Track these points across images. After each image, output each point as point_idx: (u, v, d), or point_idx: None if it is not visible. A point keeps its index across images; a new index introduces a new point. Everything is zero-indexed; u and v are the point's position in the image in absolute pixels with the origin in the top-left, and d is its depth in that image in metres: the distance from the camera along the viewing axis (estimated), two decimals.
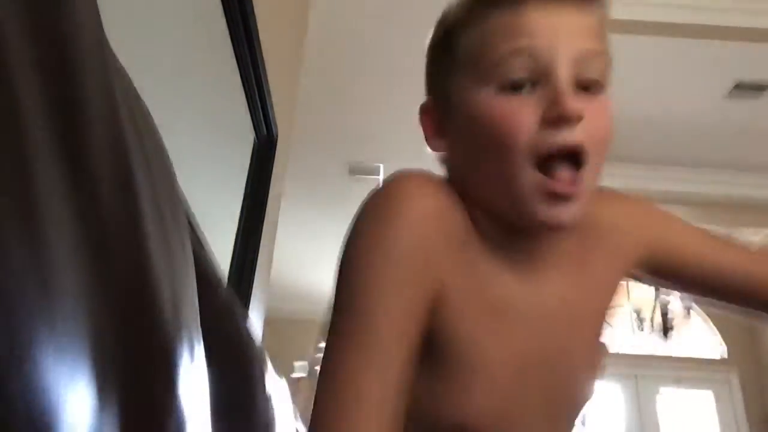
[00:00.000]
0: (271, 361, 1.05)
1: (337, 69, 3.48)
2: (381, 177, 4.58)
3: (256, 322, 1.92)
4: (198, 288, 0.71)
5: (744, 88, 3.50)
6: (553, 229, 0.62)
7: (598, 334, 0.73)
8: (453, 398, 0.62)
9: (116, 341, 0.42)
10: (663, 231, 0.75)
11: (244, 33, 1.63)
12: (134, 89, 0.59)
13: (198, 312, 0.61)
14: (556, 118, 0.59)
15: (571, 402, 0.71)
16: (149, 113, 0.63)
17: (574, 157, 0.60)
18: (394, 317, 0.57)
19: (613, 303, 0.73)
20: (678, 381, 5.74)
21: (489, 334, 0.63)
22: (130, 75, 0.59)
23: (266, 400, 0.92)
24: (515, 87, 0.60)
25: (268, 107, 1.93)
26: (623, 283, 0.76)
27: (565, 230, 0.62)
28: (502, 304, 0.65)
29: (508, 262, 0.65)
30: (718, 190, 4.23)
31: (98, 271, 0.41)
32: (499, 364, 0.63)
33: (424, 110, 0.72)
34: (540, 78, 0.60)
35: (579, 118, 0.59)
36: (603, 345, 0.74)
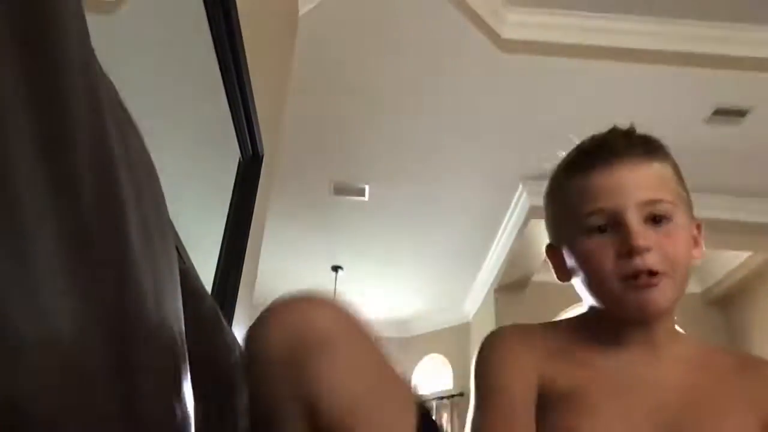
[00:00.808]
0: None
1: (323, 89, 3.51)
2: (366, 197, 4.60)
3: (239, 338, 1.91)
4: (183, 301, 0.72)
5: (723, 114, 3.56)
6: (648, 309, 0.79)
7: None
8: None
9: (102, 352, 0.43)
10: None
11: (231, 53, 1.65)
12: (122, 102, 0.60)
13: (182, 320, 0.62)
14: (628, 251, 0.78)
15: None
16: (137, 128, 0.64)
17: (650, 274, 0.78)
18: (517, 393, 0.82)
19: None
20: None
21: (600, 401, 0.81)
22: (119, 93, 0.60)
23: (247, 414, 0.92)
24: (600, 230, 0.81)
25: (254, 127, 1.94)
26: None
27: (659, 311, 0.80)
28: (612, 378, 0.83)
29: (622, 352, 0.84)
30: (698, 213, 4.27)
31: (83, 281, 0.41)
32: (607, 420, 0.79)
33: (549, 252, 0.93)
34: (615, 225, 0.80)
35: (646, 250, 0.78)
36: None
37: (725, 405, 0.80)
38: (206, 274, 1.66)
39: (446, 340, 6.61)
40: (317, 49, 3.19)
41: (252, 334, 0.66)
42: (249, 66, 1.77)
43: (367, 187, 4.50)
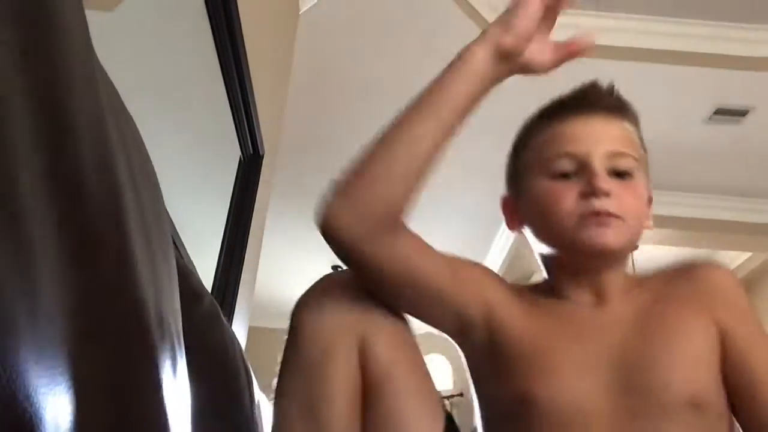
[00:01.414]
0: (254, 374, 1.05)
1: (323, 88, 3.50)
2: None
3: (239, 335, 1.91)
4: (182, 300, 0.71)
5: (724, 114, 3.55)
6: (600, 248, 0.80)
7: (691, 359, 0.79)
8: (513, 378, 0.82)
9: (98, 347, 0.43)
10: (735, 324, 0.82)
11: (232, 51, 1.65)
12: (121, 102, 0.60)
13: (180, 319, 0.62)
14: (590, 192, 0.81)
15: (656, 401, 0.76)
16: (135, 126, 0.63)
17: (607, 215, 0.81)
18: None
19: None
20: None
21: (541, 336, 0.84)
22: (119, 91, 0.60)
23: (253, 408, 0.93)
24: (564, 176, 0.84)
25: (255, 124, 1.94)
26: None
27: (611, 253, 0.82)
28: (555, 319, 0.86)
29: (571, 300, 0.87)
30: (698, 214, 4.28)
31: (82, 277, 0.41)
32: (549, 353, 0.82)
33: (504, 202, 0.96)
34: (581, 169, 0.83)
35: (607, 193, 0.81)
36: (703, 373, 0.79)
37: (674, 320, 0.82)
38: (206, 272, 1.66)
39: (446, 340, 6.59)
40: (318, 48, 3.18)
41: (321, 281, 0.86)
42: (249, 64, 1.77)
43: None
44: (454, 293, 0.85)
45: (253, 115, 1.89)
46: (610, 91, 0.93)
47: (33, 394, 0.34)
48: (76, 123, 0.43)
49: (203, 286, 0.96)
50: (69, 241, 0.40)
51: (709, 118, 3.59)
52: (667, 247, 4.84)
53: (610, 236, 0.80)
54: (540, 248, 0.90)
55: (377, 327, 0.81)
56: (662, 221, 4.16)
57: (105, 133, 0.49)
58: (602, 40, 3.24)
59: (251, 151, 2.01)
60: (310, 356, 0.79)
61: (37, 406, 0.34)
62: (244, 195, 1.95)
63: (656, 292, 0.86)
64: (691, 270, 0.87)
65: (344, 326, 0.80)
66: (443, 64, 0.87)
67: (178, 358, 0.57)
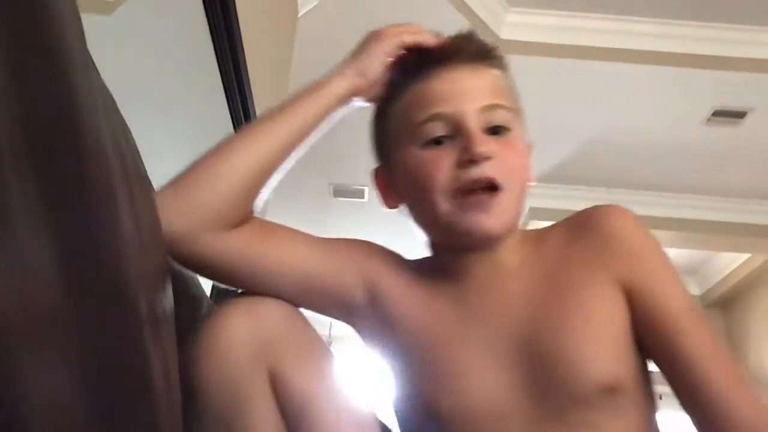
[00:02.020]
0: None
1: None
2: (365, 199, 4.59)
3: None
4: (184, 305, 0.71)
5: (722, 115, 3.55)
6: (482, 235, 0.74)
7: (593, 332, 0.73)
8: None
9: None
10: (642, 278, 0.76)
11: (230, 54, 1.64)
12: (115, 105, 0.60)
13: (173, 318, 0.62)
14: (467, 160, 0.73)
15: (564, 389, 0.71)
16: (130, 132, 0.63)
17: (489, 189, 0.73)
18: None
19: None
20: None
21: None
22: (114, 95, 0.60)
23: None
24: (437, 142, 0.75)
25: None
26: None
27: (494, 239, 0.75)
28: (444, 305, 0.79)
29: (463, 279, 0.79)
30: (697, 215, 4.28)
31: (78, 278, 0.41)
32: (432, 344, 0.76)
33: (376, 175, 0.87)
34: (455, 132, 0.75)
35: (487, 158, 0.73)
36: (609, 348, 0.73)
37: (576, 294, 0.75)
38: None
39: None
40: (316, 50, 3.18)
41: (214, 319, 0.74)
42: (248, 66, 1.77)
43: (366, 189, 4.48)
44: (327, 274, 0.79)
45: (251, 117, 1.89)
46: (471, 37, 0.82)
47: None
48: (76, 129, 0.43)
49: (203, 290, 0.96)
50: (62, 249, 0.40)
51: (708, 120, 3.59)
52: (666, 249, 4.84)
53: (492, 220, 0.73)
54: (419, 232, 0.82)
55: (286, 356, 0.73)
56: (661, 223, 4.16)
57: (102, 138, 0.49)
58: (601, 42, 3.24)
59: None
60: (224, 406, 0.71)
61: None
62: None
63: (555, 256, 0.78)
64: (588, 220, 0.80)
65: (252, 364, 0.71)
66: None
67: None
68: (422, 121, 0.76)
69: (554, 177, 4.04)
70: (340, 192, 4.54)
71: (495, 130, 0.76)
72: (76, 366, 0.40)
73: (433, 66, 0.78)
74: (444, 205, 0.74)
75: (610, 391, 0.70)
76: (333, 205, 4.66)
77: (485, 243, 0.76)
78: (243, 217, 0.77)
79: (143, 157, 0.69)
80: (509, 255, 0.78)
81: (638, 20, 3.21)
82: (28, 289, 0.35)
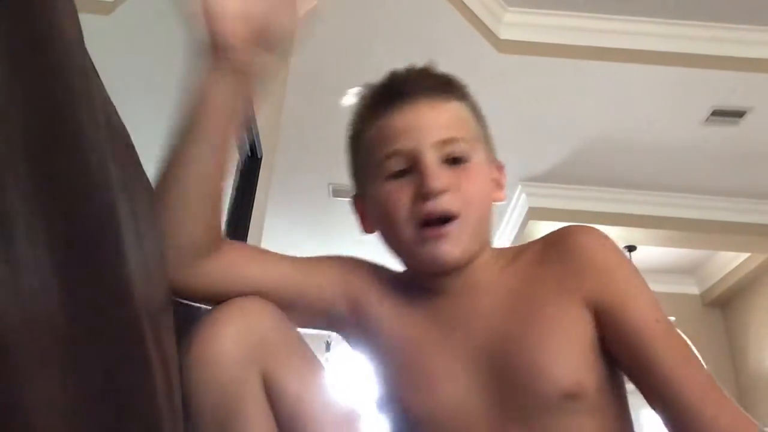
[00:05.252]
0: None
1: (321, 90, 3.50)
2: None
3: None
4: (187, 304, 0.72)
5: (721, 115, 3.55)
6: (440, 263, 0.79)
7: (557, 346, 0.77)
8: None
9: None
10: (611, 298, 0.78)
11: None
12: (116, 113, 0.60)
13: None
14: (424, 194, 0.77)
15: (530, 395, 0.74)
16: (131, 140, 0.63)
17: (445, 220, 0.77)
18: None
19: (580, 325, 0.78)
20: None
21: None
22: (116, 100, 0.60)
23: None
24: (397, 175, 0.80)
25: (252, 128, 1.93)
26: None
27: (453, 265, 0.79)
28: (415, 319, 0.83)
29: (438, 292, 0.83)
30: (697, 215, 4.28)
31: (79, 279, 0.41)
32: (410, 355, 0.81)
33: (354, 203, 0.91)
34: (413, 165, 0.79)
35: (442, 192, 0.77)
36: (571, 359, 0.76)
37: (543, 308, 0.79)
38: None
39: None
40: (316, 50, 3.18)
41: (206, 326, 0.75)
42: None
43: None
44: (311, 293, 0.83)
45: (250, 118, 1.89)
46: (429, 70, 0.86)
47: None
48: (76, 129, 0.43)
49: None
50: (61, 252, 0.40)
51: (707, 120, 3.59)
52: (665, 248, 4.85)
53: (448, 248, 0.78)
54: (391, 254, 0.86)
55: (277, 357, 0.75)
56: (660, 222, 4.17)
57: (101, 143, 0.49)
58: (600, 42, 3.24)
59: (249, 154, 2.00)
60: (217, 408, 0.72)
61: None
62: (242, 198, 1.94)
63: (526, 273, 0.82)
64: (559, 239, 0.83)
65: (244, 367, 0.73)
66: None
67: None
68: (383, 157, 0.81)
69: (554, 177, 4.04)
70: (339, 192, 4.54)
71: (454, 160, 0.80)
72: (76, 372, 0.40)
73: (394, 101, 0.82)
74: (406, 235, 0.79)
75: (572, 397, 0.74)
76: (332, 205, 4.66)
77: (447, 269, 0.80)
78: (216, 241, 0.78)
79: (142, 158, 0.69)
80: (480, 272, 0.83)
81: (637, 20, 3.21)
82: (25, 295, 0.35)
